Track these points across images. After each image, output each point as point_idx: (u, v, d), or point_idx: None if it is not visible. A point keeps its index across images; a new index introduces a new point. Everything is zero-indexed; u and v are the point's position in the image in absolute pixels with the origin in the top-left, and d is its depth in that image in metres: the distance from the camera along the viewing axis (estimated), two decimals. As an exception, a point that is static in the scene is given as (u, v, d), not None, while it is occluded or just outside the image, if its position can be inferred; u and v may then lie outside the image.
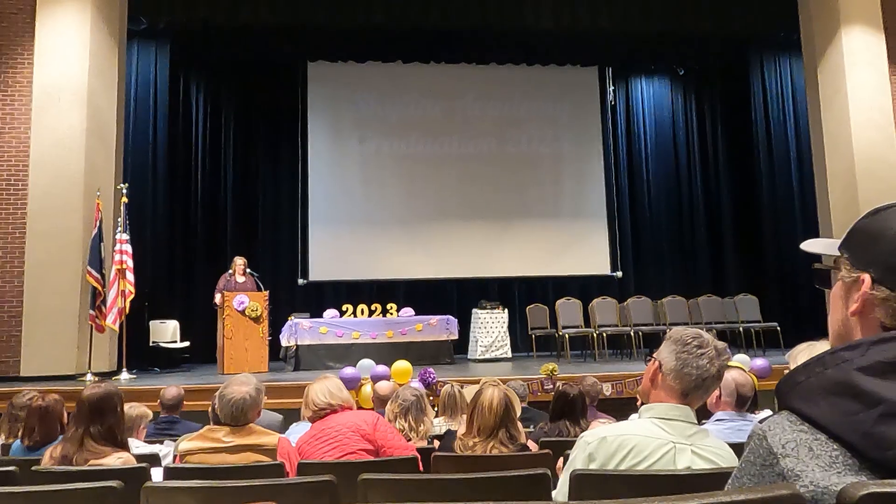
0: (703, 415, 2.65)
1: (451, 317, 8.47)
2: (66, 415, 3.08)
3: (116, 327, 7.16)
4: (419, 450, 2.84)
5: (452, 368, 7.72)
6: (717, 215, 11.07)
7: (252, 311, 7.47)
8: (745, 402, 2.84)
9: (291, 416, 4.25)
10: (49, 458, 2.50)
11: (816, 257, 0.95)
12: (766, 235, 10.40)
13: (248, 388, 2.52)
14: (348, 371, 6.09)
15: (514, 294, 10.28)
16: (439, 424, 3.81)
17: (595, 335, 8.44)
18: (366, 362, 6.42)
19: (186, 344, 8.65)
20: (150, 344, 8.44)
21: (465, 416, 3.80)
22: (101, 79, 7.68)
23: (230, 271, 7.95)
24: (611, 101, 11.11)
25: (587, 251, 10.62)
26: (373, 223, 10.22)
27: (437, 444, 3.22)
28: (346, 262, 10.05)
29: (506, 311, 8.85)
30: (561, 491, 1.75)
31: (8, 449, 3.17)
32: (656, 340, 8.09)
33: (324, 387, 2.86)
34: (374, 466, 2.38)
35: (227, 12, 8.54)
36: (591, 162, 10.89)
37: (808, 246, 0.92)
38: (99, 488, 1.98)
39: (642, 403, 1.74)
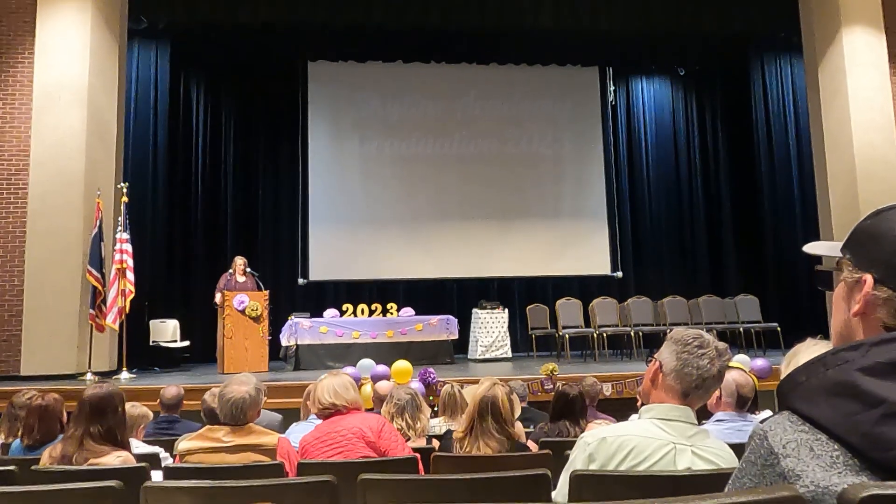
0: (703, 415, 2.65)
1: (451, 317, 8.47)
2: (65, 414, 3.08)
3: (116, 326, 7.16)
4: (419, 449, 2.84)
5: (452, 368, 7.72)
6: (718, 215, 11.07)
7: (252, 310, 7.47)
8: (746, 403, 2.84)
9: (291, 415, 4.25)
10: (48, 457, 2.50)
11: (818, 259, 0.95)
12: (767, 236, 10.40)
13: (248, 388, 2.52)
14: (348, 371, 6.09)
15: (514, 294, 10.28)
16: (439, 424, 3.81)
17: (595, 335, 8.44)
18: (366, 362, 6.42)
19: (186, 343, 8.66)
20: (150, 343, 8.45)
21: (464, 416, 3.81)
22: (102, 78, 7.68)
23: (230, 271, 7.95)
24: (611, 101, 11.11)
25: (587, 251, 10.61)
26: (373, 223, 10.22)
27: (435, 443, 3.22)
28: (346, 262, 10.05)
29: (506, 310, 8.85)
30: (561, 491, 1.75)
31: (7, 448, 3.17)
32: (656, 340, 8.10)
33: (330, 385, 2.81)
34: (374, 467, 2.37)
35: (228, 12, 8.54)
36: (592, 162, 10.89)
37: (811, 248, 0.92)
38: (98, 488, 1.98)
39: (642, 404, 1.73)
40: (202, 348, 8.66)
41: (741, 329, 8.55)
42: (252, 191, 10.43)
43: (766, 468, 0.73)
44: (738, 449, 1.38)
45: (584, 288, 10.05)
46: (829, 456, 0.69)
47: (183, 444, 2.57)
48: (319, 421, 3.13)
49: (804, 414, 0.73)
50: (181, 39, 9.42)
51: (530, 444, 2.94)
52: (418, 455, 2.67)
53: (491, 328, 8.65)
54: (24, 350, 7.05)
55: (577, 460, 1.67)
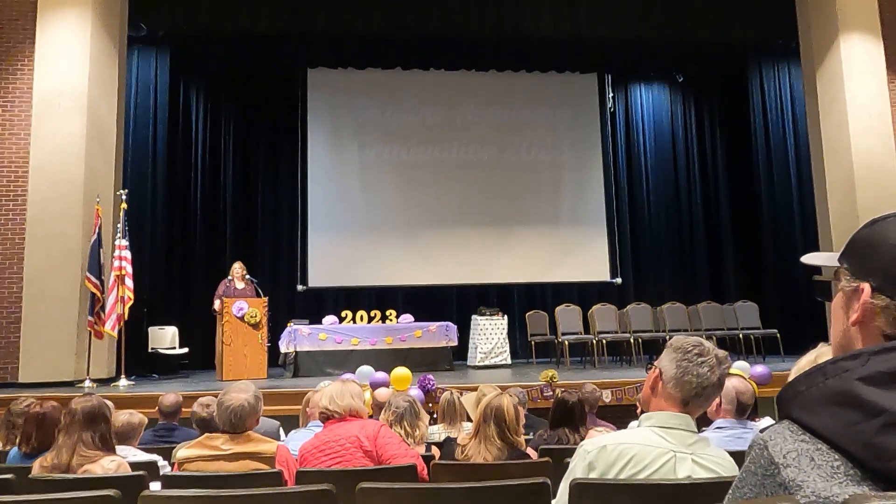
0: (703, 422, 2.64)
1: (450, 323, 8.45)
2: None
3: (115, 333, 7.15)
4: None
5: (452, 375, 7.71)
6: (717, 222, 11.08)
7: (251, 317, 7.46)
8: (746, 410, 2.84)
9: (290, 422, 4.24)
10: (39, 467, 2.50)
11: (817, 267, 0.95)
12: (766, 242, 10.41)
13: (247, 396, 2.52)
14: (348, 377, 6.07)
15: (513, 300, 10.27)
16: (438, 431, 3.80)
17: (595, 342, 8.43)
18: (365, 369, 6.42)
19: (185, 350, 8.64)
20: (149, 350, 8.43)
21: (464, 423, 3.80)
22: (101, 85, 7.69)
23: (229, 277, 7.95)
24: (610, 108, 11.14)
25: (587, 258, 10.62)
26: (372, 229, 10.23)
27: (434, 450, 3.22)
28: (345, 269, 10.04)
29: (505, 317, 8.85)
30: (560, 500, 1.75)
31: (5, 456, 3.15)
32: (656, 347, 8.09)
33: (329, 391, 2.81)
34: (373, 475, 2.36)
35: (227, 19, 8.56)
36: (591, 169, 10.91)
37: (809, 259, 0.92)
38: (96, 497, 1.97)
39: (642, 411, 1.73)
40: (201, 355, 8.64)
41: (740, 335, 8.55)
42: (251, 197, 10.44)
43: (766, 478, 0.73)
44: (738, 456, 1.38)
45: (584, 294, 10.04)
46: (829, 466, 0.68)
47: (181, 452, 2.56)
48: (318, 427, 3.13)
49: (804, 423, 0.72)
50: (181, 46, 9.45)
51: (530, 451, 2.93)
52: (417, 463, 2.65)
53: (490, 335, 8.64)
54: (23, 357, 7.04)
55: (577, 469, 1.67)
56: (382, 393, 4.53)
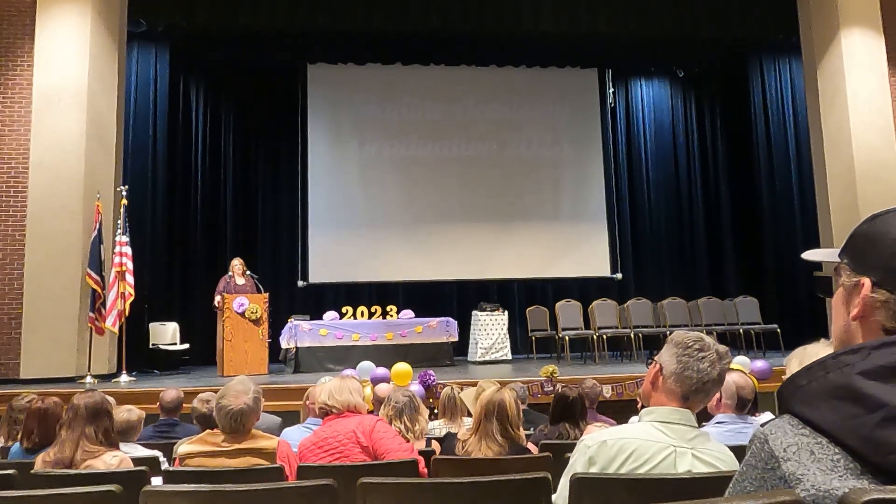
0: (703, 417, 2.65)
1: (450, 319, 8.46)
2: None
3: (116, 329, 7.16)
4: (419, 452, 2.83)
5: (452, 370, 7.72)
6: (717, 217, 11.08)
7: (252, 313, 7.47)
8: (746, 405, 2.84)
9: (291, 418, 4.25)
10: (42, 462, 2.50)
11: (817, 263, 0.95)
12: (766, 237, 10.40)
13: (247, 398, 2.49)
14: (348, 374, 6.08)
15: (513, 296, 10.28)
16: (439, 427, 3.81)
17: (595, 337, 8.44)
18: (365, 364, 6.42)
19: (186, 346, 8.65)
20: (150, 346, 8.44)
21: (465, 419, 3.81)
22: (101, 81, 7.68)
23: (229, 273, 7.95)
24: (610, 104, 11.12)
25: (587, 253, 10.61)
26: (373, 225, 10.22)
27: (434, 445, 3.22)
28: (345, 265, 10.04)
29: (506, 312, 8.85)
30: (561, 495, 1.75)
31: (7, 452, 3.16)
32: (656, 342, 8.10)
33: (328, 387, 2.82)
34: (374, 470, 2.37)
35: (227, 15, 8.55)
36: (591, 164, 10.89)
37: (809, 255, 0.92)
38: (98, 492, 1.98)
39: (643, 406, 1.73)
40: (202, 351, 8.65)
41: (741, 330, 8.55)
42: (252, 193, 10.43)
43: (766, 472, 0.73)
44: (738, 451, 1.38)
45: (584, 290, 10.04)
46: (829, 459, 0.69)
47: (182, 447, 2.57)
48: (316, 424, 3.14)
49: (805, 417, 0.73)
50: (181, 42, 9.42)
51: (530, 446, 2.94)
52: (418, 457, 2.66)
53: (491, 330, 8.64)
54: (24, 353, 7.05)
55: (578, 463, 1.67)
56: (383, 388, 4.54)
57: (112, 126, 7.83)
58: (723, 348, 1.67)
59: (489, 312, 8.73)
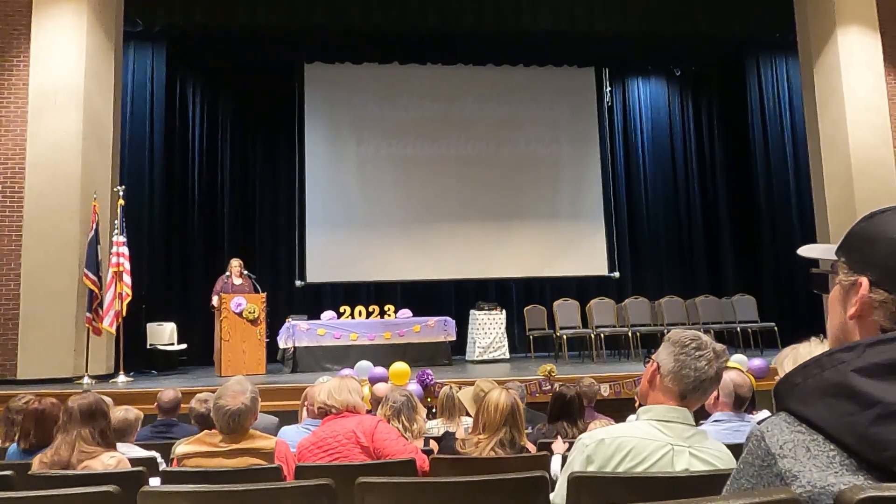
0: (701, 415, 2.65)
1: (448, 318, 8.47)
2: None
3: (113, 330, 7.14)
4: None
5: (450, 370, 7.72)
6: (714, 216, 11.09)
7: (249, 313, 7.46)
8: (743, 403, 2.85)
9: (288, 418, 4.24)
10: (39, 463, 2.50)
11: (814, 259, 0.95)
12: (763, 236, 10.42)
13: (244, 398, 2.49)
14: (346, 373, 6.08)
15: (511, 295, 10.28)
16: (437, 426, 3.81)
17: (593, 336, 8.45)
18: (363, 364, 6.42)
19: (184, 346, 8.64)
20: (148, 346, 8.43)
21: (463, 418, 3.81)
22: (98, 81, 7.67)
23: (227, 273, 7.94)
24: (608, 102, 11.13)
25: (585, 252, 10.62)
26: (370, 225, 10.22)
27: (432, 444, 3.22)
28: (343, 264, 10.04)
29: (503, 312, 8.85)
30: (559, 493, 1.75)
31: (4, 453, 3.16)
32: (654, 341, 8.12)
33: (327, 386, 2.81)
34: (372, 469, 2.37)
35: (224, 14, 8.53)
36: (589, 163, 10.90)
37: (805, 251, 0.92)
38: (95, 493, 1.97)
39: (640, 405, 1.74)
40: (199, 351, 8.64)
41: (738, 329, 8.57)
42: (249, 193, 10.42)
43: (763, 469, 0.73)
44: (735, 449, 1.39)
45: (582, 289, 10.05)
46: (825, 456, 0.69)
47: (180, 448, 2.56)
48: (314, 425, 3.13)
49: (801, 415, 0.73)
50: (177, 42, 9.41)
51: (528, 445, 2.94)
52: (416, 457, 2.66)
53: (489, 329, 8.64)
54: (21, 354, 7.03)
55: (576, 462, 1.67)
56: (381, 388, 4.54)
57: (109, 126, 7.81)
58: (720, 347, 1.67)
59: (487, 311, 8.73)
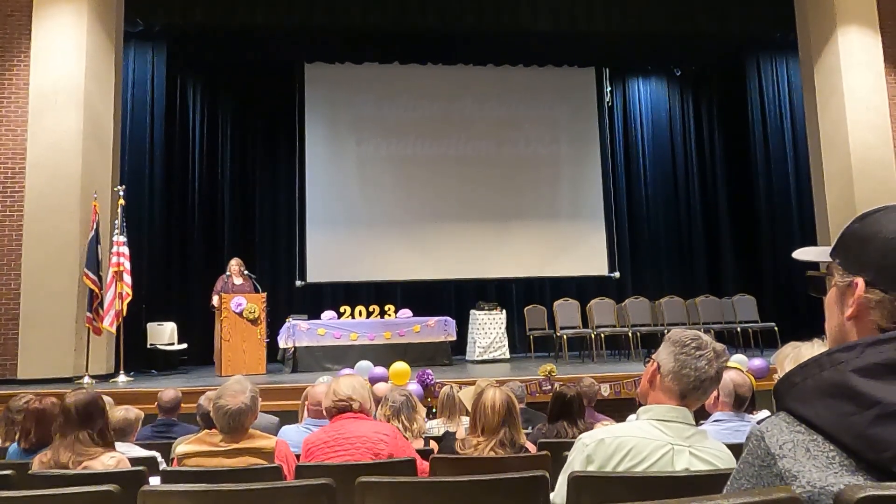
0: (701, 415, 2.65)
1: (449, 318, 8.46)
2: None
3: (114, 329, 7.15)
4: (417, 451, 2.83)
5: (451, 369, 7.72)
6: (715, 215, 11.09)
7: (250, 312, 7.46)
8: (743, 403, 2.85)
9: (289, 417, 4.24)
10: (39, 463, 2.50)
11: (809, 263, 0.95)
12: (764, 235, 10.42)
13: (244, 397, 2.49)
14: (346, 373, 6.08)
15: (511, 295, 10.28)
16: (437, 426, 3.81)
17: (593, 336, 8.45)
18: (364, 364, 6.42)
19: (184, 346, 8.64)
20: (148, 346, 8.43)
21: (464, 418, 3.81)
22: (98, 81, 7.67)
23: (227, 273, 7.94)
24: (608, 102, 11.13)
25: (585, 252, 10.62)
26: (370, 225, 10.22)
27: (433, 444, 3.23)
28: (343, 264, 10.04)
29: (504, 311, 8.85)
30: (559, 493, 1.76)
31: (4, 452, 3.16)
32: (654, 341, 8.11)
33: (350, 382, 2.73)
34: (373, 469, 2.37)
35: (224, 14, 8.53)
36: (589, 163, 10.90)
37: (801, 254, 0.92)
38: (96, 492, 1.97)
39: (640, 404, 1.74)
40: (200, 351, 8.64)
41: (738, 329, 8.57)
42: (249, 193, 10.43)
43: (763, 469, 0.73)
44: (735, 449, 1.39)
45: (582, 288, 10.05)
46: (825, 457, 0.69)
47: (181, 447, 2.56)
48: (314, 424, 3.13)
49: (800, 415, 0.73)
50: (177, 42, 9.41)
51: (528, 445, 2.94)
52: (417, 456, 2.66)
53: (489, 329, 8.64)
54: (21, 353, 7.03)
55: (576, 462, 1.67)
56: (381, 388, 4.55)
57: (109, 126, 7.82)
58: (720, 346, 1.67)
59: (487, 311, 8.73)
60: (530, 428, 3.69)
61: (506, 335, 8.73)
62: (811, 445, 0.70)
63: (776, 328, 8.31)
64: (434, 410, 4.43)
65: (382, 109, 10.52)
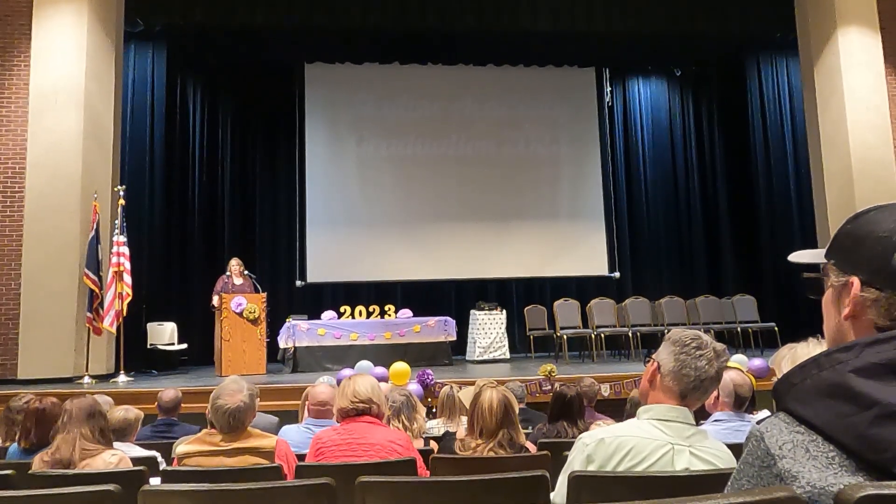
0: (701, 415, 2.65)
1: (449, 318, 8.47)
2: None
3: (114, 330, 7.15)
4: (418, 451, 2.83)
5: (451, 369, 7.72)
6: (715, 215, 11.09)
7: (250, 312, 7.46)
8: (743, 403, 2.85)
9: (288, 418, 4.24)
10: (39, 462, 2.50)
11: (806, 265, 0.95)
12: (764, 235, 10.42)
13: (242, 396, 2.49)
14: (346, 373, 6.08)
15: (512, 295, 10.29)
16: (437, 426, 3.81)
17: (593, 336, 8.45)
18: (364, 364, 6.42)
19: (184, 346, 8.64)
20: (148, 346, 8.42)
21: (463, 418, 3.81)
22: (98, 81, 7.67)
23: (227, 273, 7.94)
24: (608, 103, 11.13)
25: (585, 252, 10.62)
26: (370, 225, 10.22)
27: (433, 444, 3.22)
28: (343, 264, 10.04)
29: (504, 311, 8.85)
30: (559, 493, 1.76)
31: (5, 452, 3.16)
32: (654, 341, 8.11)
33: (369, 383, 2.66)
34: (373, 469, 2.37)
35: (224, 14, 8.54)
36: (589, 163, 10.90)
37: (796, 257, 0.93)
38: (96, 492, 1.98)
39: (640, 404, 1.74)
40: (200, 351, 8.64)
41: (738, 329, 8.57)
42: (249, 193, 10.43)
43: (763, 469, 0.73)
44: (735, 449, 1.39)
45: (582, 289, 10.05)
46: (824, 457, 0.69)
47: (181, 447, 2.57)
48: (314, 424, 3.12)
49: (799, 415, 0.73)
50: (178, 42, 9.41)
51: (528, 445, 2.94)
52: (418, 457, 2.66)
53: (489, 329, 8.65)
54: (21, 353, 7.04)
55: (576, 461, 1.67)
56: (381, 388, 4.54)
57: (109, 126, 7.82)
58: (720, 346, 1.67)
59: (487, 311, 8.73)
60: (530, 428, 3.69)
61: (506, 335, 8.74)
62: (811, 446, 0.70)
63: (776, 328, 8.31)
64: (434, 410, 4.43)
65: (382, 109, 10.52)
